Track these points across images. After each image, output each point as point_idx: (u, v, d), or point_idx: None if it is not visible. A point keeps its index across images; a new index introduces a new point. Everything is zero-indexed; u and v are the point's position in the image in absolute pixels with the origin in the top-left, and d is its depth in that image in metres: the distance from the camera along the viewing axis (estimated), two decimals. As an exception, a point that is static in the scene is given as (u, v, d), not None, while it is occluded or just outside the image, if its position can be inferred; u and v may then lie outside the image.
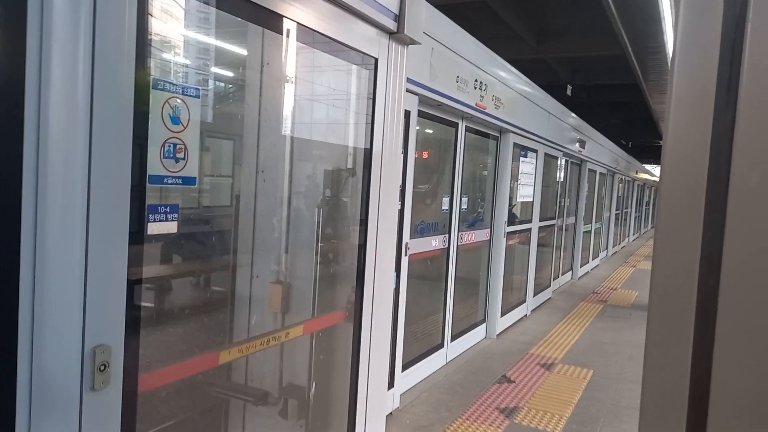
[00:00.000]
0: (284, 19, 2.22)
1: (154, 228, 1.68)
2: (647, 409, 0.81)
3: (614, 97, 19.10)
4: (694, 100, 0.82)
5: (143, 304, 1.75)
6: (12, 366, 1.40)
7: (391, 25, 2.73)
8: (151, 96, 1.61)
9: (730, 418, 0.79)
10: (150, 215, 1.67)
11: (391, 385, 4.39)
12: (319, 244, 3.08)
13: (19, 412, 1.41)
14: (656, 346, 0.80)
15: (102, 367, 1.50)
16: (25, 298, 1.39)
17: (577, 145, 10.19)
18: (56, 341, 1.44)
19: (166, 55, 2.03)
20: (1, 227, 1.38)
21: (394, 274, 4.16)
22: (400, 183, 4.20)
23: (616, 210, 16.87)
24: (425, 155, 5.58)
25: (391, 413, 4.41)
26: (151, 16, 1.61)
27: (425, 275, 5.65)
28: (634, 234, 22.56)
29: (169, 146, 1.71)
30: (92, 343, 1.49)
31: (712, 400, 0.79)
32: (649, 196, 28.97)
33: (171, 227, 1.73)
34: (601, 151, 12.93)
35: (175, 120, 1.72)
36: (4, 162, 1.37)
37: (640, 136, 29.26)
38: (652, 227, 31.59)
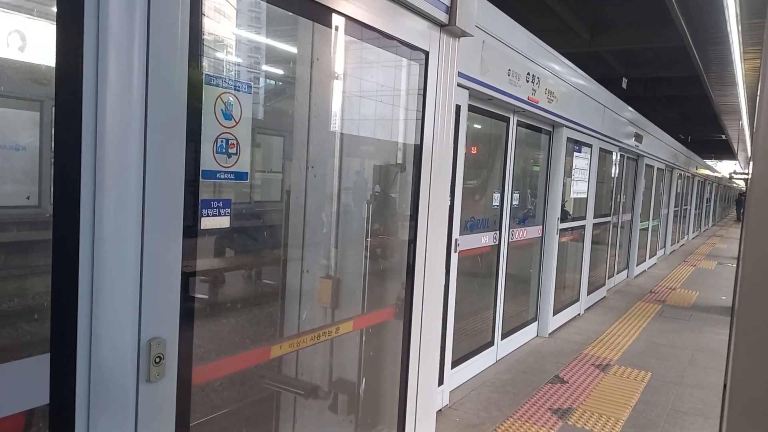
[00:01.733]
0: (333, 13, 2.21)
1: (207, 222, 1.69)
2: (734, 420, 0.74)
3: (672, 90, 18.35)
4: None
5: (197, 296, 1.77)
6: (71, 358, 1.44)
7: (443, 17, 2.68)
8: (204, 91, 1.62)
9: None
10: (203, 210, 1.69)
11: (440, 382, 4.34)
12: (368, 239, 3.06)
13: (78, 404, 1.45)
14: (745, 353, 0.73)
15: (157, 359, 1.53)
16: (83, 291, 1.43)
17: (634, 139, 9.83)
18: (113, 334, 1.47)
19: (218, 53, 2.05)
20: (59, 222, 1.41)
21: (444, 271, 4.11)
22: (450, 179, 4.13)
23: (675, 207, 16.22)
24: (475, 150, 5.49)
25: (440, 410, 4.36)
26: (204, 14, 1.61)
27: (475, 272, 5.57)
28: (694, 232, 21.67)
29: (222, 141, 1.72)
30: (148, 336, 1.51)
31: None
32: (710, 193, 27.77)
33: (224, 222, 1.74)
34: (659, 145, 12.44)
35: (228, 115, 1.73)
36: (62, 158, 1.40)
37: (700, 131, 28.08)
38: (713, 225, 30.29)
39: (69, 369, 1.44)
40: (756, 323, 0.74)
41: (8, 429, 1.41)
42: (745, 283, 0.76)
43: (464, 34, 2.86)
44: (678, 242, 17.78)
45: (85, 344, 1.45)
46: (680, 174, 16.43)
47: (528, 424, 4.23)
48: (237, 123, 1.76)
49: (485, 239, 5.30)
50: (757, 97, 0.78)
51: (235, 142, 1.76)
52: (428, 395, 2.96)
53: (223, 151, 1.73)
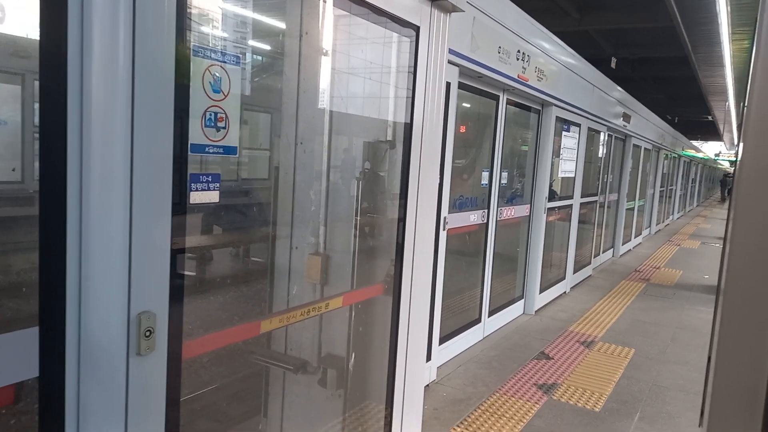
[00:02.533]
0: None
1: (196, 197, 1.68)
2: (719, 400, 0.76)
3: (660, 71, 18.37)
4: None
5: (187, 273, 1.77)
6: (60, 331, 1.43)
7: (433, -9, 2.65)
8: (191, 64, 1.59)
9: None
10: (192, 184, 1.67)
11: (428, 358, 4.40)
12: (358, 216, 3.07)
13: (68, 377, 1.45)
14: (730, 328, 0.75)
15: (147, 333, 1.53)
16: (71, 265, 1.42)
17: (622, 119, 9.86)
18: (102, 308, 1.47)
19: (204, 27, 2.01)
20: (46, 197, 1.40)
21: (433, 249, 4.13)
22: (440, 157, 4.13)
23: (661, 187, 16.37)
24: (465, 129, 5.48)
25: (428, 385, 4.42)
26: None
27: (463, 250, 5.60)
28: (678, 212, 21.92)
29: (210, 115, 1.71)
30: (137, 310, 1.51)
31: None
32: (696, 174, 28.02)
33: (213, 196, 1.73)
34: (647, 125, 12.50)
35: (216, 89, 1.71)
36: (48, 134, 1.38)
37: (687, 112, 28.20)
38: (698, 205, 30.62)
39: (58, 342, 1.43)
40: (741, 300, 0.76)
41: (-2, 401, 1.41)
42: (732, 260, 0.77)
43: (455, 9, 2.84)
44: (663, 222, 17.99)
45: (74, 318, 1.44)
46: (667, 154, 16.54)
47: (513, 399, 4.30)
48: (226, 96, 1.74)
49: (474, 218, 5.32)
50: (749, 79, 0.78)
51: (224, 115, 1.74)
52: (416, 371, 2.99)
53: (212, 124, 1.71)
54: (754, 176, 0.75)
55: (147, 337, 1.52)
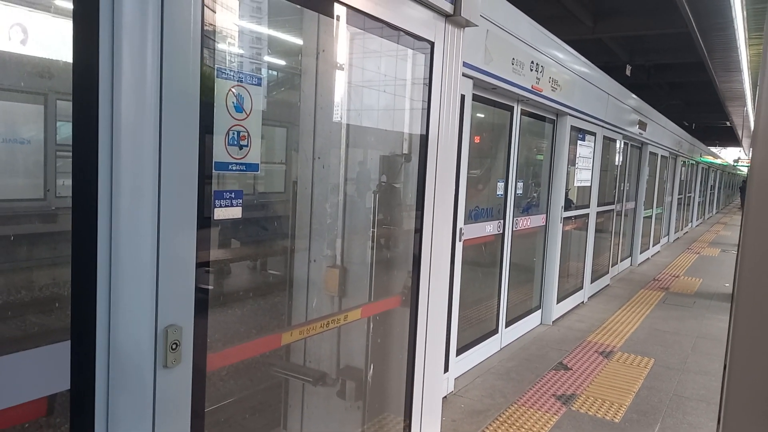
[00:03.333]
0: (338, 4, 2.23)
1: (220, 213, 1.73)
2: (734, 408, 0.78)
3: (676, 77, 18.24)
4: None
5: (212, 287, 1.82)
6: (91, 345, 1.48)
7: (448, 7, 2.70)
8: (215, 85, 1.65)
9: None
10: (216, 201, 1.72)
11: (445, 369, 4.40)
12: (375, 229, 3.10)
13: (98, 389, 1.50)
14: (744, 338, 0.77)
15: (174, 346, 1.57)
16: (102, 280, 1.47)
17: (638, 127, 9.82)
18: (131, 321, 1.52)
19: (228, 47, 2.08)
20: (78, 213, 1.46)
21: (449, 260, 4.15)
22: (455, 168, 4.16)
23: (679, 194, 16.21)
24: (480, 139, 5.51)
25: (446, 397, 4.42)
26: (211, 9, 1.64)
27: (480, 261, 5.61)
28: (697, 219, 21.65)
29: (233, 134, 1.76)
30: (164, 323, 1.56)
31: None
32: (714, 180, 27.69)
33: (236, 212, 1.78)
34: (663, 133, 12.42)
35: (239, 108, 1.76)
36: (80, 151, 1.44)
37: (704, 118, 27.93)
38: (717, 212, 30.22)
39: (89, 355, 1.48)
40: (755, 308, 0.77)
41: (31, 413, 1.46)
42: (745, 268, 0.79)
43: (469, 24, 2.88)
44: (682, 230, 17.78)
45: (104, 331, 1.49)
46: (684, 161, 16.39)
47: (532, 410, 4.28)
48: (248, 115, 1.80)
49: (489, 228, 5.33)
50: (758, 86, 0.81)
51: (246, 134, 1.79)
52: (434, 382, 3.01)
53: (235, 143, 1.76)
54: (766, 183, 0.77)
55: (173, 349, 1.57)
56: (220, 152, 1.71)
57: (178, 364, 1.59)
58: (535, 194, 6.62)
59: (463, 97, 4.22)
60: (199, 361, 1.67)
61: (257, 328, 5.42)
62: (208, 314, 1.75)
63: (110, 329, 1.50)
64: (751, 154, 0.82)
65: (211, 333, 2.03)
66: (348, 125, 3.07)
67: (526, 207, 6.27)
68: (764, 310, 0.77)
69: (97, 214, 1.45)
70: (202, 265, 1.67)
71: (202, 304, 1.68)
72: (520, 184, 5.82)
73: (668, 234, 15.34)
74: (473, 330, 5.33)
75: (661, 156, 12.77)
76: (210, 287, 1.83)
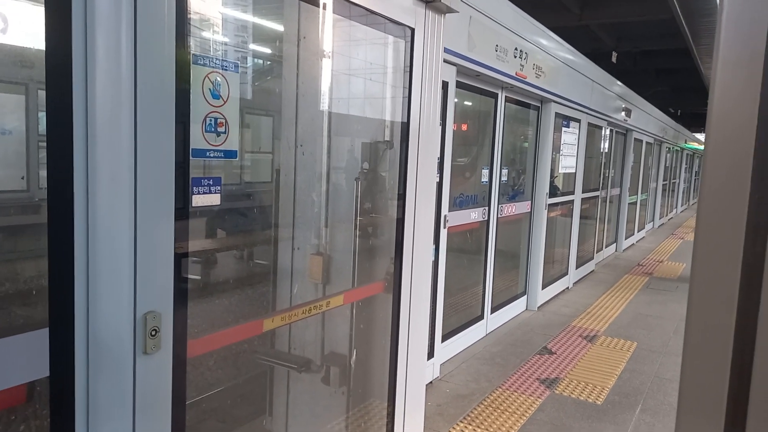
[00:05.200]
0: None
1: (198, 200, 1.73)
2: (687, 384, 0.80)
3: (662, 63, 18.33)
4: (742, 62, 0.78)
5: (190, 277, 1.82)
6: (70, 332, 1.49)
7: (428, -7, 2.69)
8: (191, 71, 1.65)
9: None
10: (194, 188, 1.72)
11: (431, 355, 4.44)
12: (358, 216, 3.12)
13: (77, 373, 1.50)
14: (699, 315, 0.79)
15: (153, 332, 1.58)
16: (79, 267, 1.47)
17: (623, 114, 9.88)
18: (109, 308, 1.52)
19: (205, 33, 2.06)
20: (54, 202, 1.45)
21: (433, 247, 4.18)
22: (438, 155, 4.18)
23: (664, 180, 16.36)
24: (464, 127, 5.52)
25: (431, 382, 4.47)
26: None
27: (465, 248, 5.65)
28: (682, 205, 21.88)
29: (211, 120, 1.76)
30: (143, 310, 1.56)
31: (755, 376, 0.78)
32: (699, 166, 27.94)
33: (214, 199, 1.78)
34: (648, 119, 12.51)
35: (216, 95, 1.76)
36: (55, 140, 1.44)
37: (690, 104, 28.10)
38: (701, 198, 30.48)
39: (68, 342, 1.49)
40: (708, 286, 0.80)
41: (11, 400, 1.47)
42: (697, 252, 0.81)
43: (449, 9, 2.88)
44: (666, 216, 17.97)
45: (82, 318, 1.49)
46: (669, 148, 16.53)
47: (516, 394, 4.34)
48: (225, 102, 1.79)
49: (474, 215, 5.36)
50: (711, 75, 0.83)
51: (223, 120, 1.79)
52: (418, 367, 3.04)
53: (212, 129, 1.76)
54: (716, 169, 0.79)
55: (153, 336, 1.58)
56: (197, 139, 1.71)
57: (158, 351, 1.60)
58: (520, 181, 6.66)
59: (446, 84, 4.22)
60: (179, 348, 1.68)
61: (245, 317, 5.43)
62: (191, 303, 1.76)
63: (89, 316, 1.51)
64: (705, 134, 0.84)
65: (198, 323, 2.03)
66: (330, 113, 3.07)
67: (511, 194, 6.31)
68: (713, 292, 0.79)
69: (74, 201, 1.45)
70: (181, 251, 1.67)
71: (182, 290, 1.69)
72: (504, 171, 5.85)
73: (653, 220, 15.50)
74: (459, 316, 5.37)
75: (646, 142, 12.87)
76: (192, 277, 1.83)
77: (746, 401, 0.80)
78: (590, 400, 4.29)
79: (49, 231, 1.46)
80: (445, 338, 4.86)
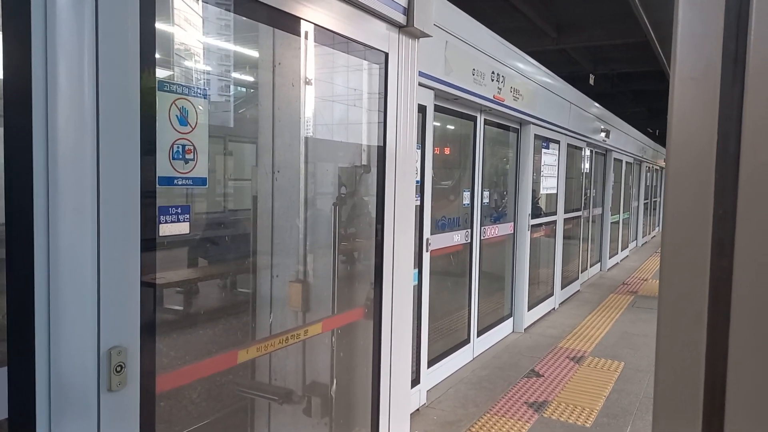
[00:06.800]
0: (294, 18, 2.22)
1: (166, 229, 1.69)
2: (661, 401, 0.78)
3: (639, 85, 18.69)
4: (699, 76, 0.78)
5: (174, 307, 1.77)
6: (30, 367, 1.42)
7: (401, 18, 2.71)
8: (157, 98, 1.62)
9: (749, 408, 0.75)
10: (161, 216, 1.68)
11: (416, 381, 4.37)
12: (336, 241, 3.08)
13: (38, 413, 1.43)
14: (668, 333, 0.77)
15: (118, 368, 1.52)
16: (40, 301, 1.42)
17: (602, 134, 10.01)
18: (72, 344, 1.46)
19: (175, 59, 2.04)
20: (14, 233, 1.40)
21: (415, 271, 4.14)
22: (418, 178, 4.17)
23: (645, 199, 16.54)
24: (446, 150, 5.54)
25: (417, 410, 4.39)
26: (151, 21, 1.61)
27: (448, 271, 5.61)
28: (664, 223, 22.07)
29: (178, 147, 1.72)
30: (108, 345, 1.51)
31: (729, 390, 0.76)
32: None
33: (183, 228, 1.74)
34: (627, 140, 12.69)
35: (183, 121, 1.73)
36: (14, 169, 1.39)
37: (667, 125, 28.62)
38: (683, 216, 30.88)
39: (28, 381, 1.42)
40: (676, 303, 0.78)
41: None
42: (665, 264, 0.80)
43: (423, 34, 2.90)
44: (650, 234, 18.13)
45: (43, 355, 1.43)
46: (649, 167, 16.76)
47: (504, 419, 4.27)
48: (193, 129, 1.76)
49: (457, 238, 5.35)
50: (670, 76, 0.82)
51: (192, 147, 1.76)
52: (401, 394, 2.98)
53: (180, 157, 1.73)
54: (679, 186, 0.78)
55: (118, 372, 1.51)
56: (164, 166, 1.67)
57: (124, 387, 1.54)
58: (502, 203, 6.67)
59: (424, 107, 4.24)
60: (147, 383, 1.62)
61: (229, 347, 5.31)
62: (171, 337, 1.70)
63: (50, 353, 1.44)
64: (666, 148, 0.83)
65: (180, 354, 1.96)
66: (306, 138, 3.06)
67: (493, 216, 6.31)
68: (684, 304, 0.77)
69: (33, 234, 1.40)
70: (149, 283, 1.62)
71: (150, 323, 1.63)
72: (486, 194, 5.86)
73: (636, 238, 15.62)
74: (445, 341, 5.31)
75: (626, 162, 13.03)
76: (174, 307, 1.77)
77: (722, 418, 0.77)
78: (579, 423, 4.24)
79: (7, 264, 1.41)
80: (431, 363, 4.79)
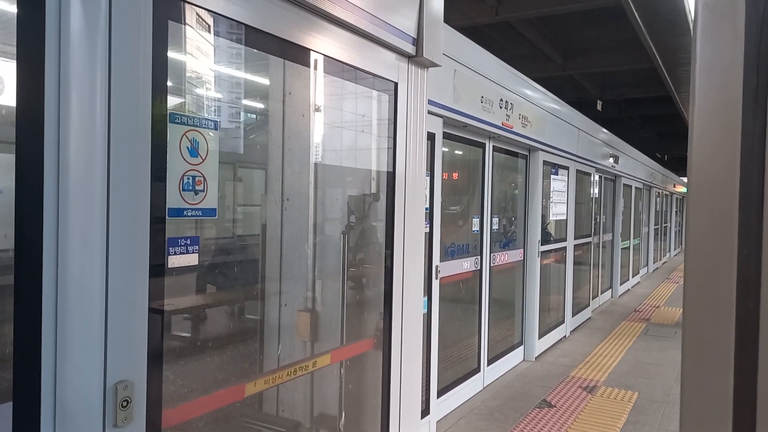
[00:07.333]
0: (303, 48, 2.23)
1: (174, 261, 1.68)
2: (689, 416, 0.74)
3: (647, 110, 18.74)
4: (719, 111, 0.76)
5: (182, 334, 1.75)
6: (36, 402, 1.40)
7: (410, 49, 2.72)
8: (168, 130, 1.62)
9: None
10: (170, 248, 1.67)
11: (426, 412, 4.29)
12: (345, 270, 3.06)
13: (43, 450, 1.41)
14: (695, 379, 0.74)
15: (124, 403, 1.49)
16: (47, 336, 1.40)
17: (611, 160, 9.99)
18: (78, 379, 1.44)
19: (185, 86, 2.06)
20: (23, 261, 1.39)
21: (425, 298, 4.10)
22: (427, 205, 4.16)
23: (655, 225, 16.42)
24: (454, 176, 5.53)
25: (427, 442, 4.30)
26: (168, 51, 1.63)
27: (458, 298, 5.56)
28: (675, 249, 21.90)
29: (188, 179, 1.72)
30: (114, 380, 1.48)
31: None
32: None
33: (192, 259, 1.73)
34: (636, 165, 12.65)
35: (194, 152, 1.73)
36: (25, 197, 1.39)
37: (676, 149, 28.59)
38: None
39: (33, 417, 1.40)
40: (700, 348, 0.75)
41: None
42: (688, 308, 0.77)
43: (432, 64, 2.91)
44: (660, 260, 17.95)
45: (49, 390, 1.41)
46: (659, 192, 16.67)
47: (516, 451, 4.18)
48: (204, 160, 1.76)
49: (466, 265, 5.30)
50: (689, 111, 0.80)
51: (202, 179, 1.75)
52: (411, 426, 2.91)
53: (190, 188, 1.72)
54: (701, 224, 0.75)
55: (124, 407, 1.49)
56: (173, 198, 1.67)
57: (130, 423, 1.51)
58: (511, 229, 6.64)
59: (433, 135, 4.25)
60: (153, 418, 1.59)
61: (237, 376, 5.25)
62: (177, 366, 1.68)
63: (56, 388, 1.42)
64: (687, 186, 0.81)
65: (187, 383, 1.93)
66: (316, 166, 3.06)
67: (503, 242, 6.27)
68: (709, 348, 0.75)
69: (42, 265, 1.39)
70: (155, 316, 1.60)
71: (156, 357, 1.61)
72: (495, 220, 5.83)
73: (647, 264, 15.46)
74: (455, 370, 5.23)
75: (635, 188, 12.97)
76: (181, 334, 1.75)
77: None
78: (593, 456, 4.13)
79: (15, 296, 1.39)
80: (440, 393, 4.71)
